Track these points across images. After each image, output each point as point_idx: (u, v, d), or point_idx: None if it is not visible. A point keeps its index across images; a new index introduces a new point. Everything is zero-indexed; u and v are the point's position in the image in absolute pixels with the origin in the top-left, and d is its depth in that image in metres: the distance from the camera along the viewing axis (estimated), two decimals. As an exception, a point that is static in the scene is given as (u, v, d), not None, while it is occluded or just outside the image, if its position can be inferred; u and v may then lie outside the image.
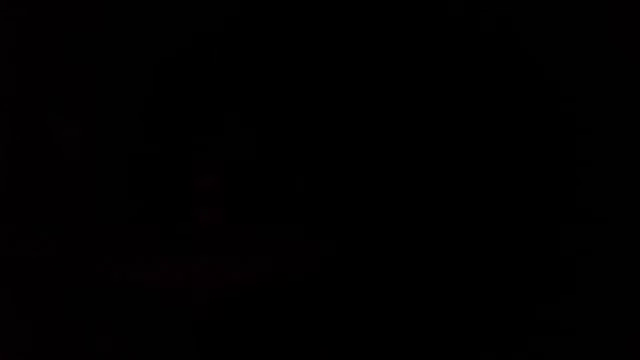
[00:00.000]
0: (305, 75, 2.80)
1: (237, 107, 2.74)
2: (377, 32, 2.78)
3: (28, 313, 2.65)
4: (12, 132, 2.75)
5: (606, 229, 2.68)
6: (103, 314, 2.59)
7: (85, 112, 2.78)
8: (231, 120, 2.73)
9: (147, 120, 2.77)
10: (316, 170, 2.82)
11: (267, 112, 2.79)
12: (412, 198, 2.80)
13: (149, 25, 2.75)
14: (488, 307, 2.72)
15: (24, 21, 2.75)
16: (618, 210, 2.67)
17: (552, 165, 2.72)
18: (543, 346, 2.69)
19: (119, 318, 2.57)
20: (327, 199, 2.81)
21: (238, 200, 2.79)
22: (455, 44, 2.73)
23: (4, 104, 2.74)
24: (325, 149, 2.82)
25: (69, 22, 2.78)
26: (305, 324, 2.66)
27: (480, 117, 2.75)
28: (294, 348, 2.62)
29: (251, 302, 2.56)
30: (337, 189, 2.82)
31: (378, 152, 2.80)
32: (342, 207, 2.81)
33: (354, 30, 2.80)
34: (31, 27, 2.75)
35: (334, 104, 2.81)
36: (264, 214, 2.83)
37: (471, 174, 2.77)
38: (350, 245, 2.77)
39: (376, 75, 2.80)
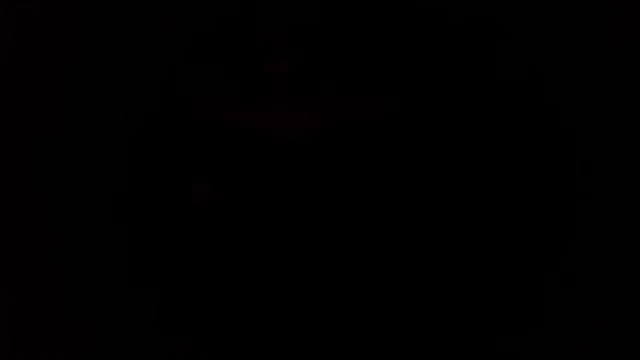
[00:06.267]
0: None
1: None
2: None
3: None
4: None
5: (606, 230, 2.70)
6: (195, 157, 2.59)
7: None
8: None
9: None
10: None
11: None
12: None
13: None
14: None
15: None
16: (618, 211, 2.68)
17: (550, 168, 2.74)
18: (542, 346, 2.71)
19: (209, 159, 2.56)
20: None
21: (303, 55, 2.78)
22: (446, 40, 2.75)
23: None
24: None
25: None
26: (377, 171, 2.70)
27: (473, 115, 2.78)
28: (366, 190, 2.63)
29: (328, 146, 2.58)
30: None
31: None
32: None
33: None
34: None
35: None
36: (327, 71, 2.82)
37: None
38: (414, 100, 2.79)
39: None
